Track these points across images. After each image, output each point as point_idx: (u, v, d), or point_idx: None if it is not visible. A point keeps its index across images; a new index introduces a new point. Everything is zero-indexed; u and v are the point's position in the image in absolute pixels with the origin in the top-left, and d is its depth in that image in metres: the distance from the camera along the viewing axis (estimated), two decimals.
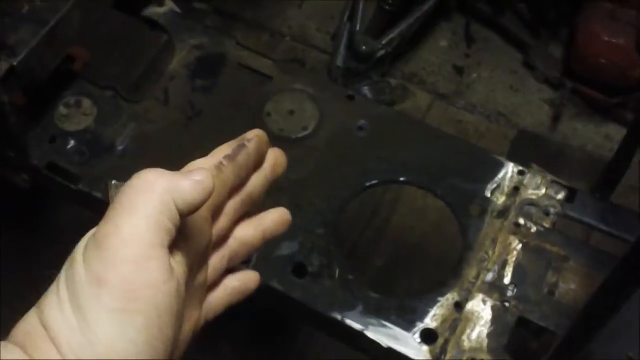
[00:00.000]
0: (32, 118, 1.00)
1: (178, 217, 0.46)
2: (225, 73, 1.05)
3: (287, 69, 1.05)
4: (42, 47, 0.91)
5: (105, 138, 0.99)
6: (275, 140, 0.98)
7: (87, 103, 1.02)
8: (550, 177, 0.92)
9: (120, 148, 0.98)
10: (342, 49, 1.36)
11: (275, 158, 0.58)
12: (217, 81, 1.04)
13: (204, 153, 0.92)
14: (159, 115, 1.01)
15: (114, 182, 1.00)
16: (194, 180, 0.46)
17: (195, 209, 0.47)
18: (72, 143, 0.99)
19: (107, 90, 1.02)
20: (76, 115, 1.01)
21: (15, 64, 0.89)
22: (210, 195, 0.47)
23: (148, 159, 0.94)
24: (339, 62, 1.35)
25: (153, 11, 1.10)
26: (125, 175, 0.97)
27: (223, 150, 0.54)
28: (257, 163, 0.56)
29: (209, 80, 1.04)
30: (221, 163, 0.52)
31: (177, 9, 1.13)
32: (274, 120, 0.99)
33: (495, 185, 0.94)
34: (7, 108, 0.92)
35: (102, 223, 0.45)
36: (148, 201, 0.45)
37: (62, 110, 1.01)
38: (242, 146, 0.54)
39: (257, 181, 0.56)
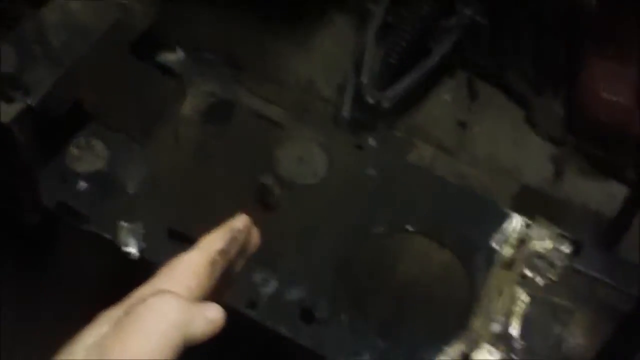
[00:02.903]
0: (44, 158, 1.01)
1: (184, 344, 0.47)
2: (236, 119, 1.06)
3: (297, 117, 1.07)
4: (57, 88, 0.93)
5: (116, 179, 1.00)
6: (284, 186, 1.00)
7: (98, 144, 1.03)
8: (556, 229, 0.93)
9: (131, 190, 0.99)
10: (348, 100, 1.37)
11: (255, 238, 0.60)
12: (227, 127, 1.05)
13: (213, 197, 0.93)
14: (170, 159, 1.02)
15: (124, 224, 1.01)
16: (208, 319, 0.48)
17: (203, 341, 0.48)
18: (82, 184, 0.99)
19: (119, 132, 1.03)
20: (88, 156, 1.02)
21: (31, 103, 0.90)
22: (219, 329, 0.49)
23: (157, 202, 0.95)
24: (345, 112, 1.36)
25: (166, 57, 1.12)
26: (135, 217, 0.99)
27: (211, 241, 0.55)
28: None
29: (220, 126, 1.05)
30: (215, 260, 0.53)
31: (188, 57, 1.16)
32: (283, 166, 1.01)
33: (501, 237, 0.95)
34: (20, 147, 0.93)
35: (112, 336, 0.46)
36: (160, 332, 0.46)
37: (74, 151, 1.02)
38: (234, 239, 0.55)
39: (239, 261, 0.58)
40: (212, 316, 0.49)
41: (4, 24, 1.04)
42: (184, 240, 0.95)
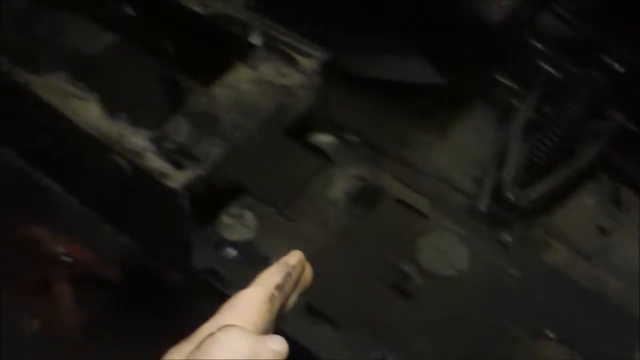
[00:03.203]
0: (198, 223, 1.08)
1: None
2: (382, 205, 1.10)
3: (440, 207, 1.09)
4: (224, 160, 0.99)
5: (262, 251, 1.05)
6: (423, 275, 1.02)
7: (249, 215, 1.09)
8: None
9: (275, 262, 1.03)
10: (486, 194, 1.38)
11: (308, 274, 0.63)
12: (373, 211, 1.09)
13: (353, 278, 0.96)
14: (316, 237, 1.06)
15: None
16: (274, 351, 0.50)
17: None
18: (231, 251, 1.05)
19: (269, 206, 1.09)
20: (238, 225, 1.07)
21: (201, 172, 0.97)
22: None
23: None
24: (483, 206, 1.37)
25: (318, 139, 1.18)
26: None
27: (268, 277, 0.58)
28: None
29: (366, 210, 1.09)
30: (273, 295, 0.55)
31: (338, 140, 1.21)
32: (425, 255, 1.02)
33: None
34: (183, 212, 1.00)
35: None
36: None
37: (226, 219, 1.08)
38: (289, 275, 0.58)
39: (294, 297, 0.61)
40: (277, 348, 0.51)
41: (179, 98, 1.14)
42: (321, 316, 0.99)
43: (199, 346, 0.51)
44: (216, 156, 0.98)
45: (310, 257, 1.04)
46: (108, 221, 1.17)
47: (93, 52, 1.27)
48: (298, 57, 1.08)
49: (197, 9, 1.16)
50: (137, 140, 0.98)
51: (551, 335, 0.94)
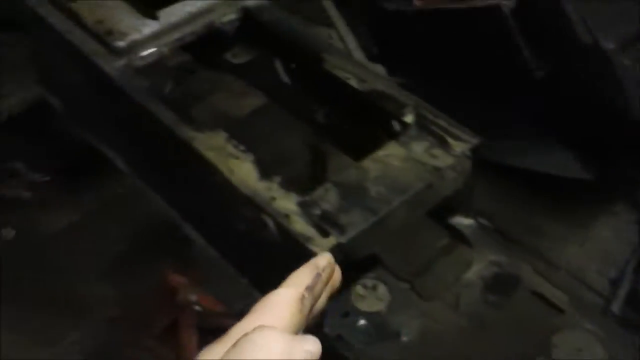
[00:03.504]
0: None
1: None
2: (518, 295, 1.08)
3: (580, 307, 1.07)
4: (367, 232, 1.02)
5: (392, 325, 1.05)
6: None
7: (382, 289, 1.10)
8: None
9: (404, 339, 1.04)
10: (622, 296, 1.34)
11: (338, 275, 0.65)
12: (508, 300, 1.08)
13: None
14: (447, 319, 1.06)
15: None
16: (307, 351, 0.52)
17: None
18: (361, 322, 1.06)
19: (403, 282, 1.10)
20: (371, 297, 1.09)
21: (342, 241, 1.00)
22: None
23: (430, 356, 0.98)
24: (616, 309, 1.33)
25: (459, 221, 1.19)
26: None
27: (299, 278, 0.59)
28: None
29: (501, 298, 1.08)
30: (303, 296, 0.55)
31: (478, 224, 1.21)
32: (560, 352, 1.00)
33: None
34: None
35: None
36: None
37: (360, 289, 1.10)
38: (318, 276, 0.58)
39: (323, 299, 0.62)
40: (311, 348, 0.51)
41: (326, 167, 1.18)
42: None
43: (233, 346, 0.51)
44: (360, 227, 1.01)
45: (440, 339, 1.05)
46: (245, 277, 1.22)
47: (243, 112, 1.35)
48: (450, 139, 1.10)
49: (354, 83, 1.21)
50: (287, 203, 1.03)
51: None
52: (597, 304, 1.39)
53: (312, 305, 0.59)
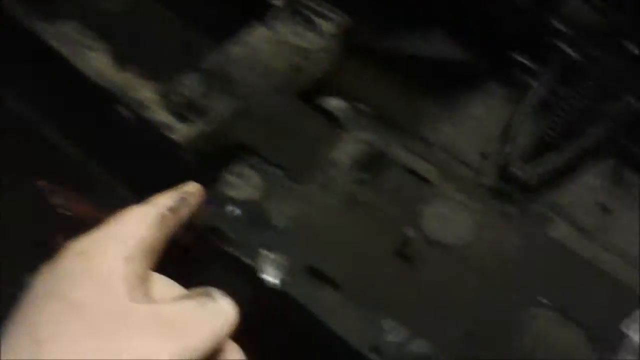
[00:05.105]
0: (203, 181, 1.08)
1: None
2: (387, 170, 1.10)
3: (447, 177, 1.09)
4: (233, 118, 0.99)
5: (267, 212, 1.05)
6: (426, 242, 1.02)
7: (255, 176, 1.08)
8: None
9: (280, 225, 1.03)
10: (493, 169, 1.38)
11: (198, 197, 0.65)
12: (377, 176, 1.09)
13: (356, 242, 0.96)
14: (318, 199, 1.06)
15: (267, 253, 1.06)
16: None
17: None
18: (234, 210, 1.05)
19: (274, 167, 1.09)
20: (244, 185, 1.07)
21: (206, 128, 0.97)
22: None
23: (302, 239, 0.99)
24: (488, 180, 1.37)
25: (327, 102, 1.18)
26: (278, 250, 1.03)
27: (162, 198, 0.58)
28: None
29: (370, 175, 1.09)
30: (164, 215, 0.56)
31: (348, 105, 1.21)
32: (428, 223, 1.03)
33: (632, 322, 0.93)
34: (188, 168, 1.00)
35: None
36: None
37: (231, 178, 1.08)
38: (184, 200, 0.59)
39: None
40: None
41: (193, 56, 1.13)
42: (322, 279, 0.99)
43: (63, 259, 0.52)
44: (225, 113, 0.98)
45: (313, 219, 1.05)
46: (109, 173, 1.17)
47: (110, 6, 1.26)
48: (319, 20, 1.07)
49: None
50: (144, 92, 0.98)
51: (549, 303, 0.95)
52: (470, 177, 1.43)
53: (175, 227, 0.59)
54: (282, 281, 0.99)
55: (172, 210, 0.58)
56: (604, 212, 1.43)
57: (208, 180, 1.09)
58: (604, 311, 0.94)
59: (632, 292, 0.97)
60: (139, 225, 0.54)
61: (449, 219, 1.03)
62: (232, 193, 1.07)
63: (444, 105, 1.64)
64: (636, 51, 1.43)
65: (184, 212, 0.59)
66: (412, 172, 1.10)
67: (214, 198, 0.99)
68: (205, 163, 1.05)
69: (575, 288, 0.97)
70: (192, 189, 0.61)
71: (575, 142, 1.39)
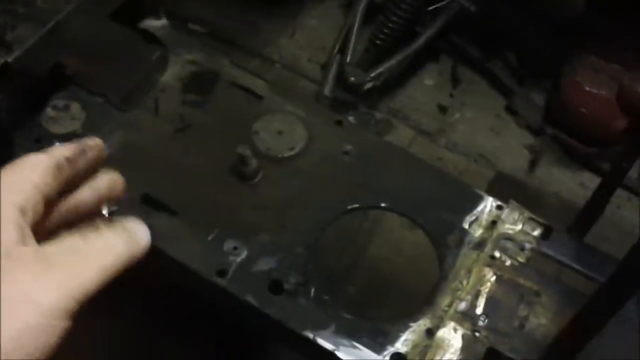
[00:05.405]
0: (21, 118, 1.01)
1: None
2: (217, 90, 1.06)
3: (279, 91, 1.07)
4: (38, 46, 0.92)
5: None
6: (262, 158, 1.00)
7: (76, 107, 1.02)
8: (527, 213, 0.94)
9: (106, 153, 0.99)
10: (331, 79, 1.38)
11: (112, 181, 0.62)
12: (208, 97, 1.05)
13: (190, 165, 0.92)
14: (147, 125, 1.02)
15: None
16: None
17: None
18: (56, 144, 0.99)
19: (97, 96, 1.03)
20: (64, 118, 1.01)
21: (9, 60, 0.89)
22: None
23: (132, 167, 0.95)
24: (327, 91, 1.37)
25: (150, 24, 1.12)
26: None
27: (60, 148, 0.57)
28: (90, 173, 0.59)
29: (201, 96, 1.05)
30: (61, 164, 0.55)
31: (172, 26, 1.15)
32: (262, 138, 1.01)
33: (473, 218, 0.95)
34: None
35: None
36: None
37: (50, 112, 1.01)
38: (82, 152, 0.57)
39: (87, 195, 0.59)
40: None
41: None
42: (157, 206, 0.96)
43: None
44: (30, 42, 0.91)
45: (143, 145, 1.01)
46: None
47: None
48: None
49: None
50: None
51: (386, 206, 0.96)
52: (310, 90, 1.42)
53: (71, 178, 0.56)
54: (114, 212, 0.94)
55: (69, 160, 0.55)
56: (443, 112, 1.46)
57: (25, 117, 1.03)
58: (445, 210, 0.96)
59: (471, 190, 0.99)
60: (34, 173, 0.53)
61: (283, 133, 1.01)
62: (52, 127, 1.00)
63: (281, 20, 1.62)
64: None
65: (82, 164, 0.56)
66: (246, 89, 1.07)
67: None
68: (21, 100, 0.98)
69: (416, 190, 0.98)
70: (91, 143, 0.58)
71: (408, 44, 1.40)
